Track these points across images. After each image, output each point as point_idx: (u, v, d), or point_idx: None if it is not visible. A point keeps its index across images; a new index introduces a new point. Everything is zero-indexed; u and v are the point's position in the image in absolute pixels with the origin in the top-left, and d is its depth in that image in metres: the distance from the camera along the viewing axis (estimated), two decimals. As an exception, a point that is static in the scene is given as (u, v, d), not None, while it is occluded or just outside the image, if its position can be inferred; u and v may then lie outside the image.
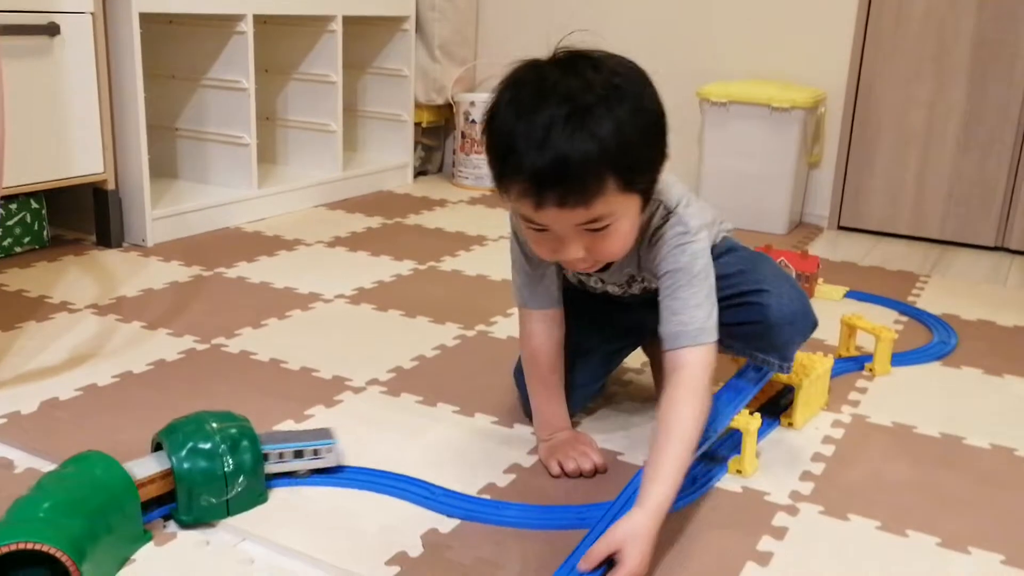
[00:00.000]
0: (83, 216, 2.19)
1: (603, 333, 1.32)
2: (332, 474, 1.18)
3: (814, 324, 1.24)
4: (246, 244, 2.23)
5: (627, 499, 1.09)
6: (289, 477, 1.17)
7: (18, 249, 2.08)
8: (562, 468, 1.19)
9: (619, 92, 0.96)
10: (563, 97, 0.94)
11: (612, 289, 1.24)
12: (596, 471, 1.20)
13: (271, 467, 1.16)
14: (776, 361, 1.20)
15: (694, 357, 1.07)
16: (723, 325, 1.11)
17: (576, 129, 0.93)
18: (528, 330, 1.23)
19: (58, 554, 0.87)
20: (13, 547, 0.86)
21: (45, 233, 2.12)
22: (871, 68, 2.52)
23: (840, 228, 2.65)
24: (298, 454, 1.16)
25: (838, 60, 2.57)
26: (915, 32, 2.45)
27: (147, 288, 1.89)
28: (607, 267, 1.14)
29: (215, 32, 2.36)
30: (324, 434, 1.19)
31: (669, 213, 1.10)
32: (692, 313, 1.08)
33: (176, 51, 2.43)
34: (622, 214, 1.00)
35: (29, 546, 0.86)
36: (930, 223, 2.53)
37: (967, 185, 2.47)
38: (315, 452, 1.17)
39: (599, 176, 0.95)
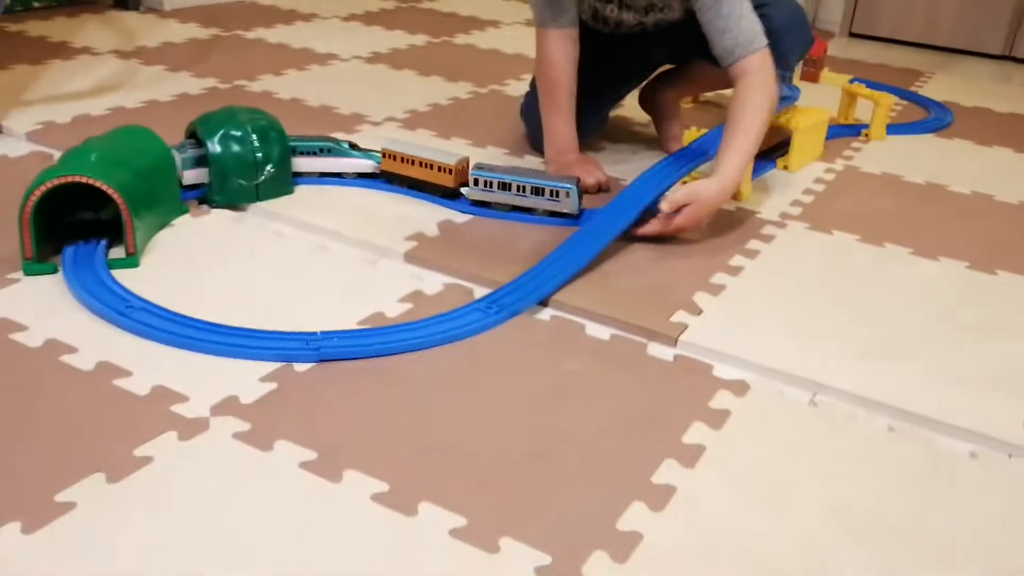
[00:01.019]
0: (99, -20, 2.20)
1: (612, 68, 1.37)
2: (569, 219, 1.16)
3: (812, 37, 1.34)
4: (262, 14, 2.25)
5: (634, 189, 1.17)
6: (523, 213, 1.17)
7: (36, 4, 2.10)
8: (568, 184, 1.27)
9: None
10: None
11: (627, 18, 1.28)
12: (600, 188, 1.27)
13: (511, 199, 1.16)
14: (779, 72, 1.26)
15: (754, 63, 1.16)
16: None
17: None
18: (547, 50, 1.27)
19: (110, 191, 0.95)
20: (67, 180, 0.93)
21: (63, -11, 2.14)
22: None
23: (852, 36, 2.65)
24: (537, 191, 1.17)
25: None
26: None
27: (167, 41, 1.93)
28: None
29: None
30: (568, 180, 1.17)
31: None
32: (740, 26, 1.16)
33: None
34: None
35: (83, 180, 0.94)
36: (941, 30, 2.53)
37: (981, -8, 2.47)
38: (553, 193, 1.16)
39: None
